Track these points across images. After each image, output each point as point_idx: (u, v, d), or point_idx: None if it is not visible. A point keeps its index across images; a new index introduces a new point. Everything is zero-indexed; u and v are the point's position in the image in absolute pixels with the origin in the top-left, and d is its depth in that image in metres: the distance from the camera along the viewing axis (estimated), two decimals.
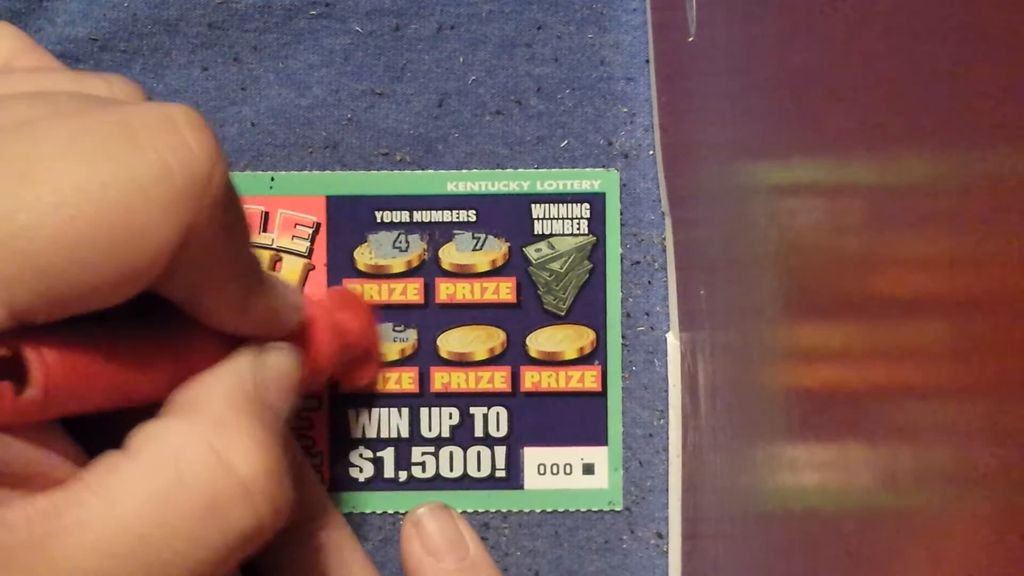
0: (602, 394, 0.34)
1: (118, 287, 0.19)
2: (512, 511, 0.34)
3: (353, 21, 0.35)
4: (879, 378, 0.16)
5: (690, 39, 0.28)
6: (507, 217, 0.35)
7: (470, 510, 0.34)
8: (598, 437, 0.34)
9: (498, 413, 0.34)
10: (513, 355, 0.34)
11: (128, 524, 0.19)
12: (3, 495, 0.19)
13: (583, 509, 0.34)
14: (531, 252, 0.35)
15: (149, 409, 0.22)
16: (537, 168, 0.35)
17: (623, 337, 0.35)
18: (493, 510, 0.34)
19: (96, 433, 0.22)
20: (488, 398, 0.34)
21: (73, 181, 0.18)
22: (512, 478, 0.34)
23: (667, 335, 0.35)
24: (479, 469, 0.34)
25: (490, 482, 0.34)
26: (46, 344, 0.19)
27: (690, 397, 0.32)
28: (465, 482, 0.34)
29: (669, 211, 0.34)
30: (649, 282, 0.35)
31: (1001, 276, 0.12)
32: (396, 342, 0.34)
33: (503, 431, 0.34)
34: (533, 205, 0.35)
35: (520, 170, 0.35)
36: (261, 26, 0.35)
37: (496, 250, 0.34)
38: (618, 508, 0.34)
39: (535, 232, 0.35)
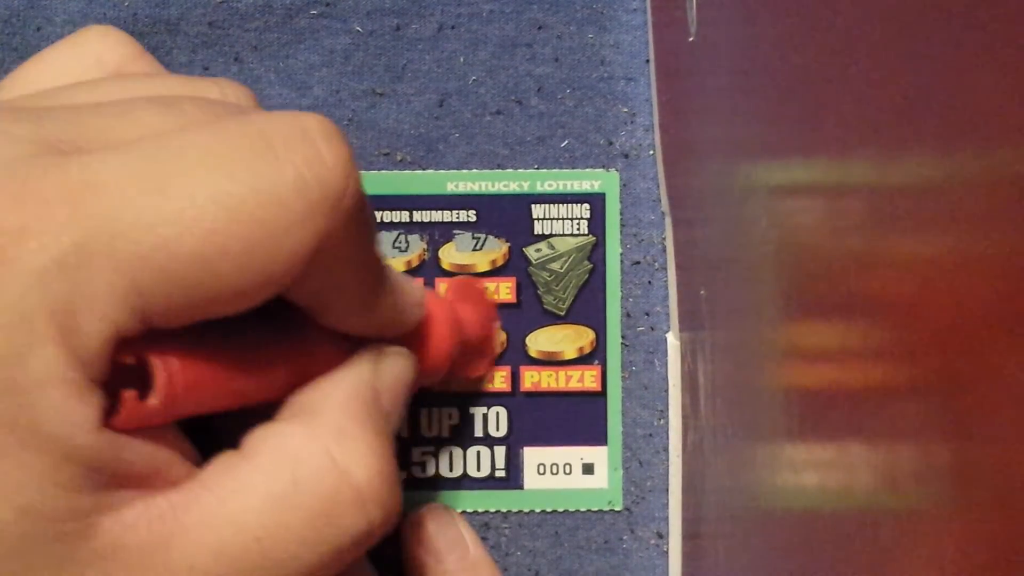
0: (602, 394, 0.34)
1: (249, 296, 0.20)
2: (512, 511, 0.34)
3: (354, 21, 0.35)
4: (879, 378, 0.16)
5: (690, 39, 0.28)
6: (507, 217, 0.35)
7: (470, 510, 0.34)
8: (598, 437, 0.34)
9: (498, 413, 0.34)
10: (513, 355, 0.34)
11: (245, 525, 0.20)
12: (123, 496, 0.19)
13: (583, 509, 0.34)
14: (531, 252, 0.35)
15: (264, 409, 0.22)
16: (537, 168, 0.35)
17: (623, 337, 0.35)
18: (493, 510, 0.34)
19: (209, 431, 0.22)
20: (488, 398, 0.34)
21: (212, 193, 0.19)
22: (512, 478, 0.34)
23: (667, 335, 0.35)
24: (479, 469, 0.34)
25: (490, 482, 0.34)
26: (170, 350, 0.20)
27: (690, 397, 0.32)
28: (465, 482, 0.34)
29: (669, 211, 0.34)
30: (649, 282, 0.35)
31: (1002, 276, 0.12)
32: None
33: (503, 431, 0.34)
34: (533, 205, 0.35)
35: (520, 170, 0.35)
36: (262, 26, 0.35)
37: (496, 250, 0.34)
38: (618, 508, 0.34)
39: (535, 232, 0.35)
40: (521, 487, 0.34)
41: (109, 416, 0.19)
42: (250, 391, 0.22)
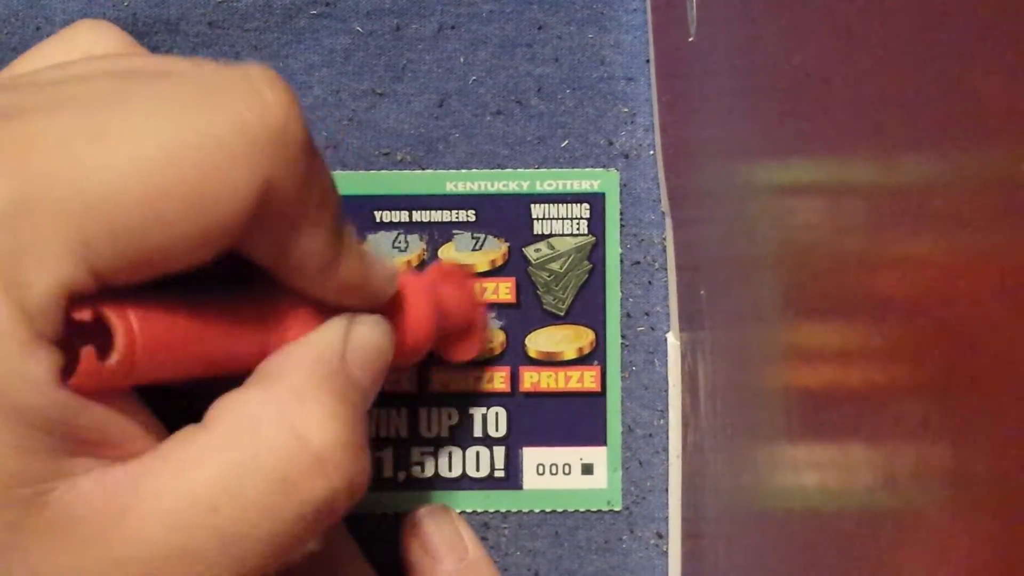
0: (601, 394, 0.34)
1: (200, 245, 0.19)
2: (512, 511, 0.34)
3: (354, 21, 0.35)
4: (879, 378, 0.16)
5: (690, 39, 0.28)
6: (507, 217, 0.35)
7: (469, 510, 0.34)
8: (597, 437, 0.34)
9: (497, 413, 0.34)
10: (512, 355, 0.34)
11: (200, 496, 0.19)
12: (79, 463, 0.19)
13: (582, 509, 0.34)
14: (531, 252, 0.35)
15: (236, 381, 0.22)
16: (537, 168, 0.35)
17: (623, 337, 0.35)
18: (492, 510, 0.34)
19: (183, 412, 0.22)
20: (487, 398, 0.34)
21: (150, 139, 0.18)
22: (511, 478, 0.34)
23: (667, 335, 0.35)
24: (478, 469, 0.34)
25: (489, 482, 0.34)
26: (131, 309, 0.19)
27: (690, 397, 0.32)
28: (464, 482, 0.34)
29: (669, 211, 0.34)
30: (649, 282, 0.35)
31: (1002, 276, 0.12)
32: None
33: (502, 431, 0.34)
34: (533, 205, 0.35)
35: (519, 170, 0.35)
36: (262, 25, 0.35)
37: (496, 250, 0.34)
38: (617, 508, 0.34)
39: (535, 232, 0.35)
40: (520, 487, 0.34)
41: (67, 377, 0.18)
42: (218, 356, 0.21)
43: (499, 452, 0.34)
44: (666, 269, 0.35)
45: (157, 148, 0.18)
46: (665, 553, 0.34)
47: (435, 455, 0.34)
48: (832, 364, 0.18)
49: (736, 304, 0.26)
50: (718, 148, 0.27)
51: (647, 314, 0.35)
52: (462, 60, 0.35)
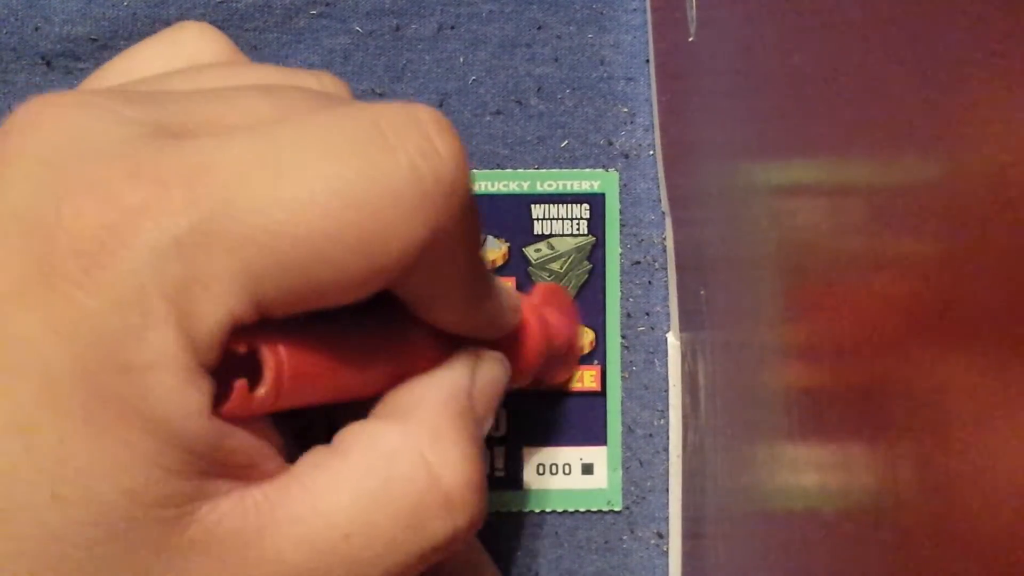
0: (601, 394, 0.34)
1: (361, 285, 0.19)
2: (512, 511, 0.34)
3: (353, 21, 0.35)
4: (879, 378, 0.16)
5: (690, 39, 0.28)
6: (507, 217, 0.35)
7: None
8: (597, 437, 0.34)
9: (497, 413, 0.34)
10: None
11: (335, 521, 0.20)
12: (221, 485, 0.19)
13: (582, 509, 0.34)
14: (531, 252, 0.35)
15: (358, 405, 0.22)
16: (537, 168, 0.35)
17: (623, 337, 0.35)
18: (492, 510, 0.34)
19: (298, 423, 0.22)
20: None
21: (325, 180, 0.18)
22: (511, 478, 0.34)
23: (667, 335, 0.35)
24: None
25: (489, 482, 0.34)
26: (280, 341, 0.20)
27: (690, 397, 0.32)
28: None
29: (669, 211, 0.34)
30: (649, 282, 0.35)
31: (1002, 276, 0.12)
32: None
33: (502, 431, 0.34)
34: (533, 205, 0.35)
35: (520, 170, 0.35)
36: (261, 25, 0.35)
37: (496, 250, 0.34)
38: (617, 508, 0.34)
39: (535, 232, 0.35)
40: (521, 487, 0.34)
41: (216, 404, 0.19)
42: (351, 386, 0.22)
43: (499, 452, 0.34)
44: (666, 269, 0.35)
45: (330, 189, 0.18)
46: (665, 553, 0.34)
47: None
48: (832, 364, 0.18)
49: (736, 304, 0.26)
50: (718, 148, 0.27)
51: (647, 314, 0.35)
52: (462, 60, 0.35)
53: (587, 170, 0.35)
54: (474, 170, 0.35)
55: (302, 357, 0.20)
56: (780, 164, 0.21)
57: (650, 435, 0.34)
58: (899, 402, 0.15)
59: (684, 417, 0.33)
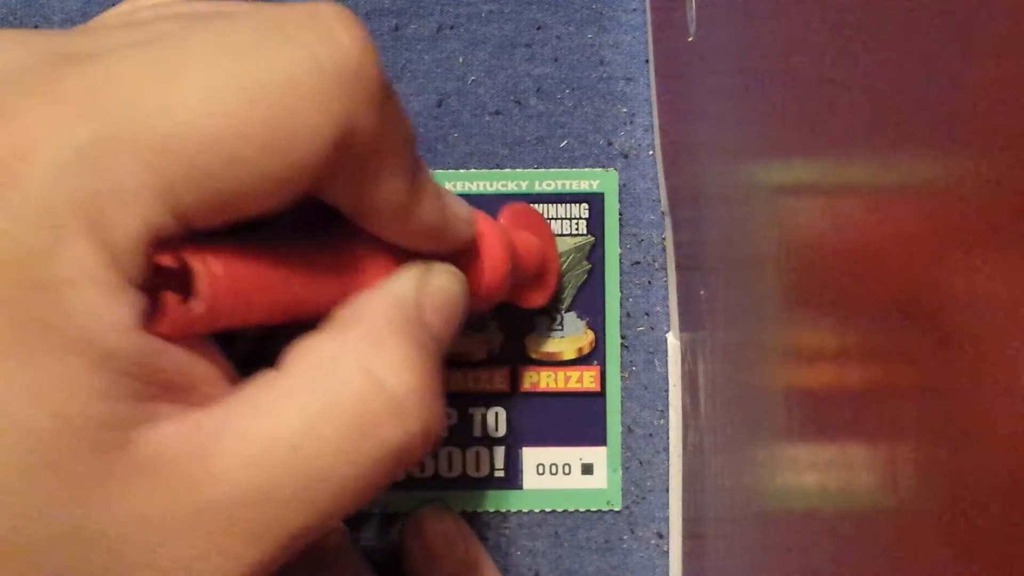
0: (601, 394, 0.34)
1: (279, 187, 0.19)
2: (512, 511, 0.34)
3: None
4: (879, 378, 0.16)
5: (690, 39, 0.28)
6: None
7: (469, 510, 0.34)
8: (597, 437, 0.34)
9: (497, 413, 0.34)
10: (512, 355, 0.34)
11: (281, 437, 0.19)
12: (161, 407, 0.19)
13: (582, 509, 0.34)
14: None
15: (308, 328, 0.22)
16: (536, 168, 0.35)
17: (623, 337, 0.35)
18: (492, 510, 0.34)
19: (253, 354, 0.22)
20: (487, 398, 0.34)
21: (225, 78, 0.18)
22: (511, 478, 0.34)
23: (667, 335, 0.35)
24: (478, 469, 0.34)
25: (489, 482, 0.34)
26: (212, 254, 0.19)
27: (690, 397, 0.32)
28: (464, 482, 0.34)
29: (669, 211, 0.34)
30: (649, 282, 0.35)
31: (1004, 276, 0.12)
32: None
33: (502, 431, 0.34)
34: (532, 205, 0.35)
35: (519, 170, 0.35)
36: None
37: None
38: (617, 508, 0.34)
39: None
40: (520, 487, 0.34)
41: (151, 322, 0.18)
42: (295, 303, 0.21)
43: (499, 452, 0.34)
44: (666, 269, 0.35)
45: (231, 86, 0.18)
46: (665, 553, 0.34)
47: (435, 455, 0.34)
48: (832, 364, 0.18)
49: (736, 304, 0.26)
50: (718, 148, 0.27)
51: (647, 314, 0.35)
52: (461, 60, 0.35)
53: (586, 170, 0.35)
54: (473, 170, 0.35)
55: (239, 270, 0.20)
56: (780, 164, 0.21)
57: (650, 435, 0.34)
58: (900, 402, 0.15)
59: (684, 417, 0.33)
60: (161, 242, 0.18)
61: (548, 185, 0.35)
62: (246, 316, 0.20)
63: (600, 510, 0.34)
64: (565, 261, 0.34)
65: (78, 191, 0.17)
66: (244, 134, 0.18)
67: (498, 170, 0.35)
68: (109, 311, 0.17)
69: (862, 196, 0.17)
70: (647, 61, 0.35)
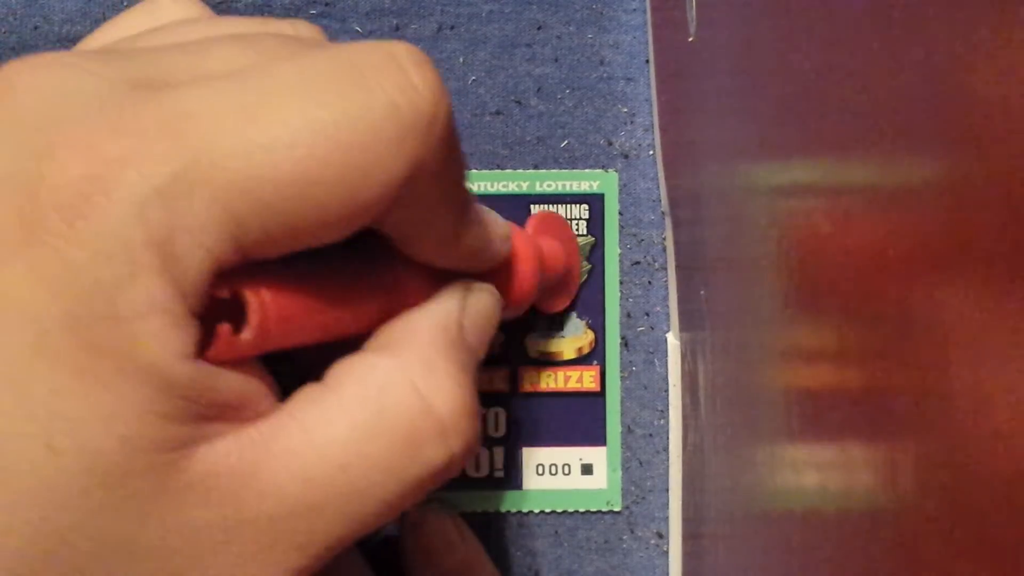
0: (601, 394, 0.34)
1: (344, 224, 0.20)
2: (512, 511, 0.34)
3: (353, 21, 0.35)
4: (879, 378, 0.16)
5: (690, 39, 0.28)
6: (506, 217, 0.35)
7: (469, 510, 0.34)
8: (597, 437, 0.34)
9: (497, 413, 0.34)
10: (512, 355, 0.34)
11: (330, 454, 0.20)
12: (215, 427, 0.19)
13: (581, 510, 0.34)
14: None
15: (349, 343, 0.22)
16: (537, 168, 0.35)
17: (623, 337, 0.35)
18: (492, 510, 0.34)
19: (290, 364, 0.22)
20: (487, 398, 0.34)
21: (305, 120, 0.19)
22: (511, 478, 0.34)
23: (667, 335, 0.35)
24: (477, 469, 0.34)
25: (489, 482, 0.34)
26: (264, 283, 0.20)
27: (690, 397, 0.32)
28: (464, 482, 0.34)
29: (669, 211, 0.34)
30: (649, 282, 0.35)
31: (1004, 277, 0.12)
32: None
33: (502, 431, 0.34)
34: (532, 206, 0.35)
35: (519, 171, 0.35)
36: None
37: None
38: (616, 508, 0.34)
39: None
40: (520, 487, 0.34)
41: (203, 349, 0.19)
42: (339, 324, 0.22)
43: (499, 452, 0.34)
44: (666, 269, 0.35)
45: (310, 130, 0.19)
46: (665, 553, 0.34)
47: None
48: (832, 364, 0.18)
49: (736, 304, 0.26)
50: (718, 148, 0.27)
51: (647, 314, 0.35)
52: (461, 60, 0.35)
53: (587, 170, 0.35)
54: (473, 170, 0.35)
55: (287, 297, 0.20)
56: (780, 164, 0.21)
57: (650, 435, 0.34)
58: (900, 402, 0.15)
59: (684, 417, 0.33)
60: (221, 274, 0.19)
61: (548, 186, 0.35)
62: (293, 339, 0.21)
63: (600, 511, 0.34)
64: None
65: (154, 226, 0.18)
66: (317, 177, 0.19)
67: (499, 170, 0.35)
68: (173, 342, 0.18)
69: (862, 196, 0.17)
70: (647, 61, 0.35)
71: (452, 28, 0.35)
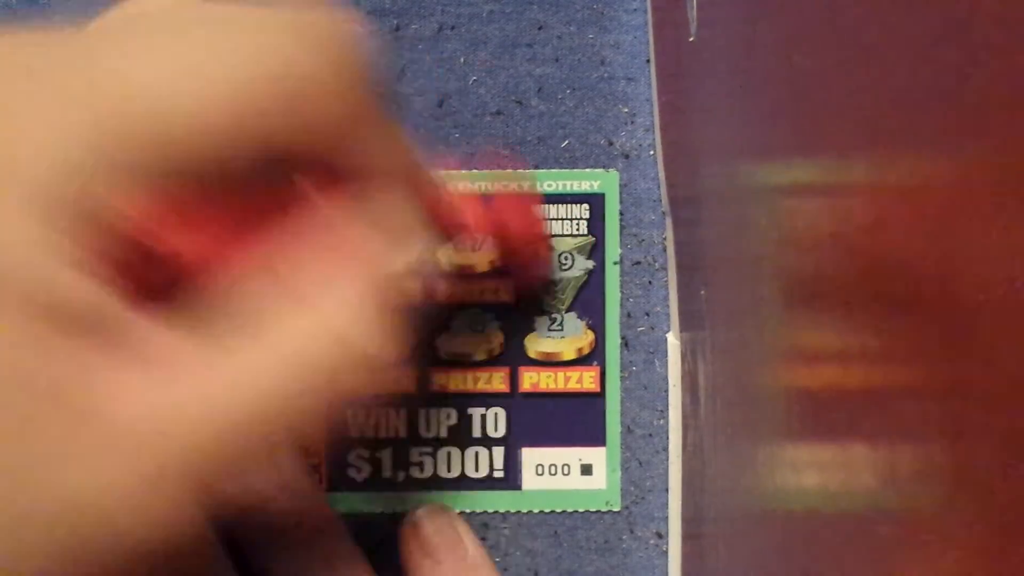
0: (600, 394, 0.34)
1: (244, 158, 0.21)
2: (511, 511, 0.34)
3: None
4: (879, 378, 0.16)
5: (690, 39, 0.28)
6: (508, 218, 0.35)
7: (468, 510, 0.34)
8: (596, 438, 0.34)
9: (496, 414, 0.34)
10: (512, 356, 0.34)
11: (248, 394, 0.21)
12: (125, 358, 0.20)
13: (581, 510, 0.34)
14: None
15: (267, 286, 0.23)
16: (537, 168, 0.35)
17: (623, 337, 0.35)
18: (492, 510, 0.34)
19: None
20: (486, 399, 0.34)
21: (216, 57, 0.21)
22: (510, 479, 0.34)
23: (667, 335, 0.35)
24: (477, 470, 0.34)
25: (488, 482, 0.34)
26: (175, 219, 0.21)
27: (690, 397, 0.32)
28: (463, 482, 0.34)
29: (669, 211, 0.34)
30: (649, 282, 0.35)
31: (1001, 277, 0.12)
32: None
33: (501, 431, 0.34)
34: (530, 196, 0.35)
35: (519, 171, 0.35)
36: None
37: (495, 251, 0.34)
38: (616, 508, 0.34)
39: None
40: (519, 488, 0.34)
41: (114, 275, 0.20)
42: (244, 243, 0.22)
43: (498, 453, 0.34)
44: (666, 269, 0.35)
45: (225, 66, 0.20)
46: (665, 553, 0.34)
47: (434, 455, 0.34)
48: (832, 364, 0.19)
49: (736, 304, 0.26)
50: (718, 148, 0.27)
51: (647, 314, 0.35)
52: (462, 60, 0.35)
53: (587, 170, 0.35)
54: (475, 171, 0.35)
55: (199, 224, 0.21)
56: (780, 164, 0.21)
57: (650, 435, 0.34)
58: (900, 401, 0.15)
59: (684, 417, 0.33)
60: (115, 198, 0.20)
61: (549, 186, 0.35)
62: (207, 266, 0.22)
63: (599, 511, 0.34)
64: (567, 262, 0.35)
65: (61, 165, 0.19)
66: (216, 109, 0.20)
67: (499, 171, 0.35)
68: (70, 265, 0.19)
69: (862, 196, 0.17)
70: (648, 61, 0.35)
71: (453, 28, 0.35)
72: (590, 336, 0.34)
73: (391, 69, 0.33)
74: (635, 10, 0.35)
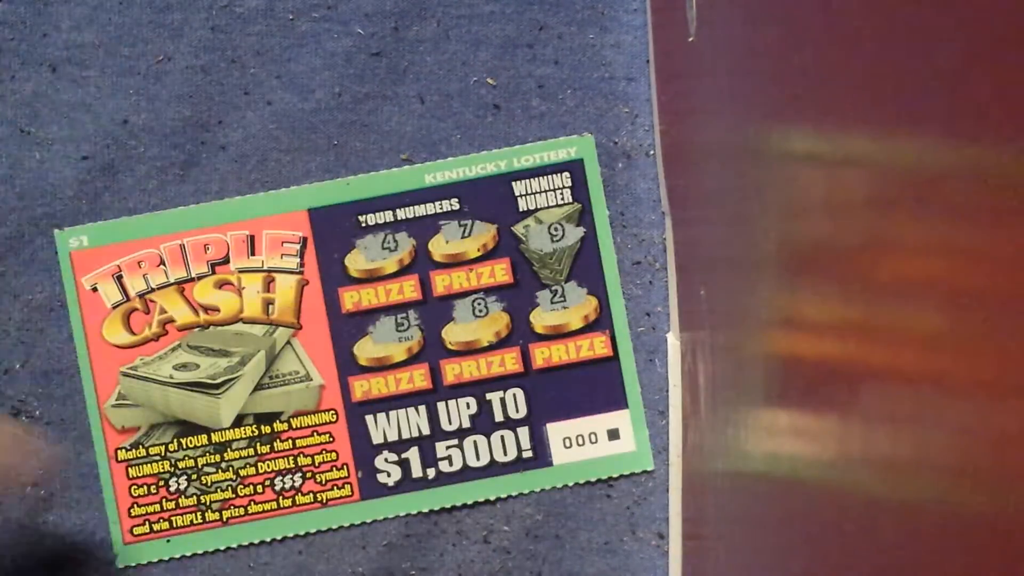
0: (614, 358, 0.34)
1: None
2: (546, 489, 0.34)
3: (355, 23, 0.35)
4: (879, 378, 0.16)
5: (690, 39, 0.28)
6: (490, 199, 0.34)
7: (503, 495, 0.34)
8: (618, 401, 0.34)
9: (515, 395, 0.34)
10: (520, 334, 0.34)
11: None
12: None
13: (615, 475, 0.34)
14: (520, 230, 0.35)
15: None
16: (513, 146, 0.35)
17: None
18: (527, 491, 0.34)
19: None
20: (502, 381, 0.34)
21: None
22: (540, 457, 0.34)
23: (667, 335, 0.34)
24: (505, 453, 0.34)
25: (518, 464, 0.34)
26: None
27: (690, 397, 0.32)
28: (494, 468, 0.34)
29: (669, 211, 0.34)
30: (649, 282, 0.35)
31: (1001, 270, 0.12)
32: (401, 342, 0.34)
33: (522, 412, 0.34)
34: (514, 183, 0.34)
35: (495, 151, 0.35)
36: (264, 29, 0.35)
37: (485, 234, 0.34)
38: (649, 468, 0.34)
39: (520, 209, 0.34)
40: (550, 464, 0.34)
41: None
42: None
43: (523, 433, 0.34)
44: (666, 269, 0.35)
45: None
46: (666, 554, 0.34)
47: (460, 447, 0.34)
48: (832, 364, 0.18)
49: (736, 304, 0.25)
50: (717, 148, 0.27)
51: (647, 314, 0.35)
52: (463, 61, 0.35)
53: (562, 138, 0.35)
54: (451, 158, 0.35)
55: None
56: (780, 164, 0.21)
57: (650, 435, 0.34)
58: (900, 398, 0.15)
59: (684, 417, 0.33)
60: None
61: (527, 160, 0.34)
62: None
63: (632, 473, 0.34)
64: (558, 232, 0.34)
65: None
66: None
67: (476, 153, 0.35)
68: None
69: (861, 196, 0.17)
70: (648, 61, 0.35)
71: (453, 29, 0.35)
72: (594, 302, 0.34)
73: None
74: (635, 10, 0.35)
